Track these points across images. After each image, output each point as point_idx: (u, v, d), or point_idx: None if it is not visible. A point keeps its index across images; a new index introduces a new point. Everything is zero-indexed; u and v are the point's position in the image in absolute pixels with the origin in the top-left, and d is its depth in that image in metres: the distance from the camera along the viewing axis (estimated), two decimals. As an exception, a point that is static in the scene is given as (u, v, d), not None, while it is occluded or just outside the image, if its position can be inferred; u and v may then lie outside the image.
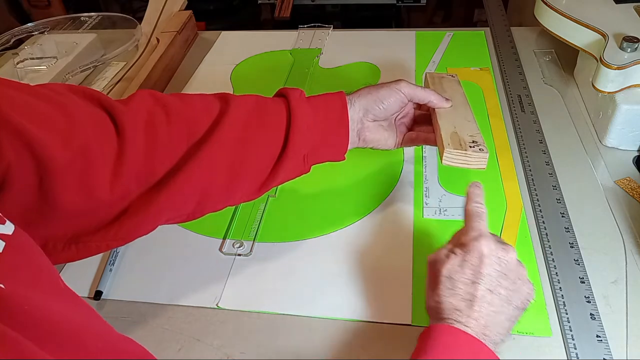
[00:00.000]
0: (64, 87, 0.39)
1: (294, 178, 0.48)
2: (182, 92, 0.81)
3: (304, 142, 0.45)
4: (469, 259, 0.38)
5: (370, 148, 0.52)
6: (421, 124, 0.53)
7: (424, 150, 0.65)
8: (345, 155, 0.49)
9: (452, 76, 0.56)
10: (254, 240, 0.55)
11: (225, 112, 0.43)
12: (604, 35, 0.62)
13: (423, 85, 0.56)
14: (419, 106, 0.53)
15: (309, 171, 0.48)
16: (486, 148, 0.45)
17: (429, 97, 0.50)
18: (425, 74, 0.57)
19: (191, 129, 0.42)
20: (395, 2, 1.46)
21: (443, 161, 0.45)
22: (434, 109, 0.51)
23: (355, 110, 0.48)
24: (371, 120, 0.49)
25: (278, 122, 0.44)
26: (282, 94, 0.47)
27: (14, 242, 0.27)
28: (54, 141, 0.34)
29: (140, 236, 0.41)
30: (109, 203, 0.38)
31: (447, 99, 0.51)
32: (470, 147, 0.45)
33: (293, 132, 0.44)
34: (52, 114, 0.35)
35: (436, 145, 0.49)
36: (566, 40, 0.69)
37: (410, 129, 0.54)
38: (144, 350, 0.31)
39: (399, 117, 0.53)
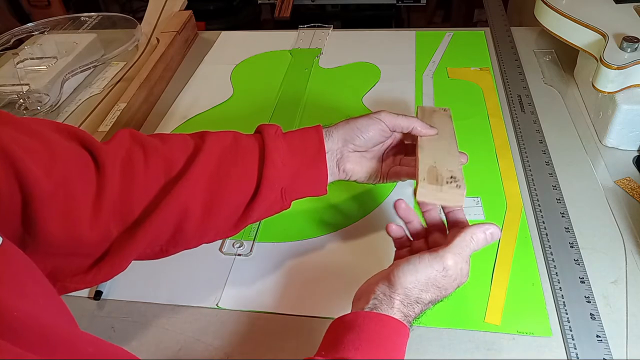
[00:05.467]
0: (47, 123, 0.40)
1: (275, 214, 0.47)
2: (182, 92, 0.81)
3: (278, 177, 0.44)
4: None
5: (355, 181, 0.50)
6: (411, 156, 0.50)
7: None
8: (327, 189, 0.48)
9: (444, 110, 0.54)
10: (254, 240, 0.55)
11: (199, 150, 0.43)
12: (604, 35, 0.62)
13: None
14: (409, 138, 0.50)
15: (289, 207, 0.47)
16: (464, 184, 0.42)
17: (412, 124, 0.47)
18: (417, 108, 0.54)
19: (168, 166, 0.42)
20: (395, 2, 1.46)
21: (417, 197, 0.43)
22: (417, 139, 0.48)
23: (334, 141, 0.47)
24: (351, 150, 0.48)
25: (251, 158, 0.44)
26: (258, 131, 0.47)
27: (2, 252, 0.28)
28: (37, 169, 0.34)
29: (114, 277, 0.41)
30: (89, 243, 0.38)
31: (432, 127, 0.48)
32: (447, 182, 0.42)
33: (267, 167, 0.43)
34: (34, 145, 0.36)
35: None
36: (566, 40, 0.69)
37: (399, 162, 0.51)
38: (134, 356, 0.31)
39: (387, 150, 0.51)
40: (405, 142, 0.51)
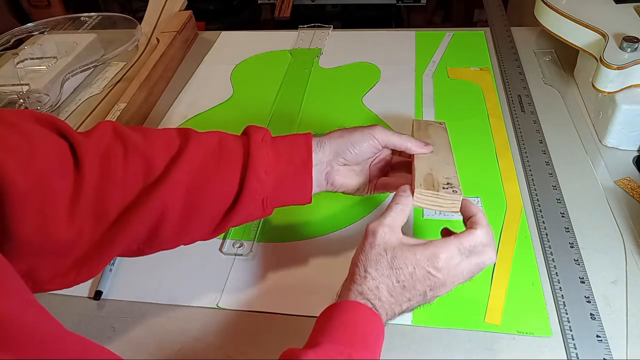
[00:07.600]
0: (26, 113, 0.39)
1: (254, 220, 0.46)
2: (182, 92, 0.81)
3: (260, 188, 0.43)
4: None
5: (342, 193, 0.49)
6: (398, 171, 0.50)
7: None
8: (311, 198, 0.47)
9: (439, 123, 0.54)
10: (254, 240, 0.55)
11: (182, 152, 0.42)
12: (604, 35, 0.62)
13: (411, 131, 0.52)
14: (398, 152, 0.50)
15: (270, 214, 0.46)
16: (460, 190, 0.43)
17: (405, 143, 0.47)
18: (412, 120, 0.54)
19: (148, 165, 0.41)
20: (395, 2, 1.47)
21: (414, 202, 0.43)
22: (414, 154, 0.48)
23: (325, 153, 0.46)
24: (342, 164, 0.47)
25: (234, 165, 0.43)
26: (246, 133, 0.46)
27: None
28: (15, 167, 0.34)
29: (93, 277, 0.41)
30: (65, 243, 0.37)
31: (426, 144, 0.47)
32: (444, 188, 0.43)
33: (249, 178, 0.42)
34: (13, 140, 0.35)
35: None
36: (566, 40, 0.69)
37: (385, 175, 0.50)
38: (118, 357, 0.31)
39: (374, 162, 0.49)
40: (394, 159, 0.50)
